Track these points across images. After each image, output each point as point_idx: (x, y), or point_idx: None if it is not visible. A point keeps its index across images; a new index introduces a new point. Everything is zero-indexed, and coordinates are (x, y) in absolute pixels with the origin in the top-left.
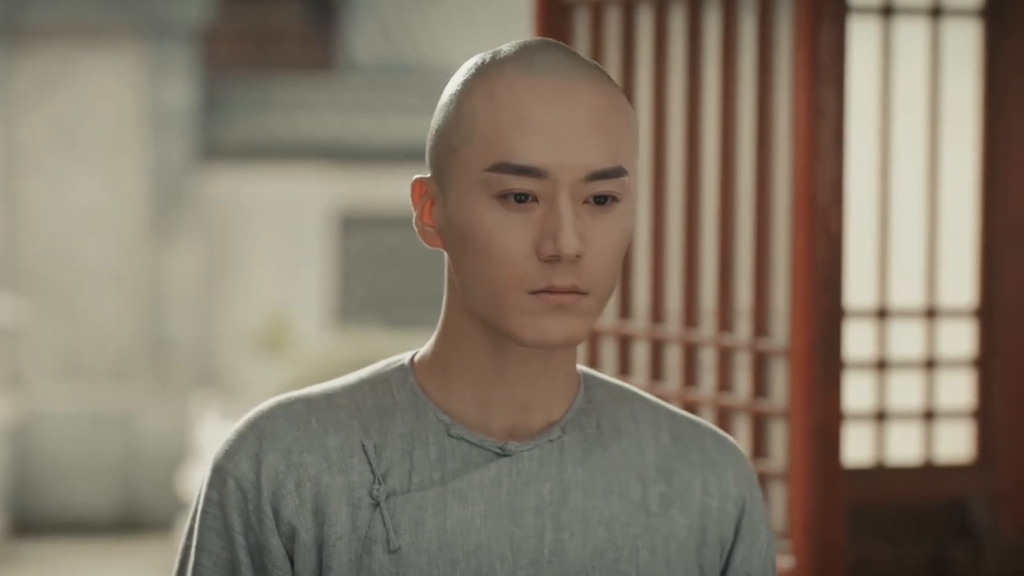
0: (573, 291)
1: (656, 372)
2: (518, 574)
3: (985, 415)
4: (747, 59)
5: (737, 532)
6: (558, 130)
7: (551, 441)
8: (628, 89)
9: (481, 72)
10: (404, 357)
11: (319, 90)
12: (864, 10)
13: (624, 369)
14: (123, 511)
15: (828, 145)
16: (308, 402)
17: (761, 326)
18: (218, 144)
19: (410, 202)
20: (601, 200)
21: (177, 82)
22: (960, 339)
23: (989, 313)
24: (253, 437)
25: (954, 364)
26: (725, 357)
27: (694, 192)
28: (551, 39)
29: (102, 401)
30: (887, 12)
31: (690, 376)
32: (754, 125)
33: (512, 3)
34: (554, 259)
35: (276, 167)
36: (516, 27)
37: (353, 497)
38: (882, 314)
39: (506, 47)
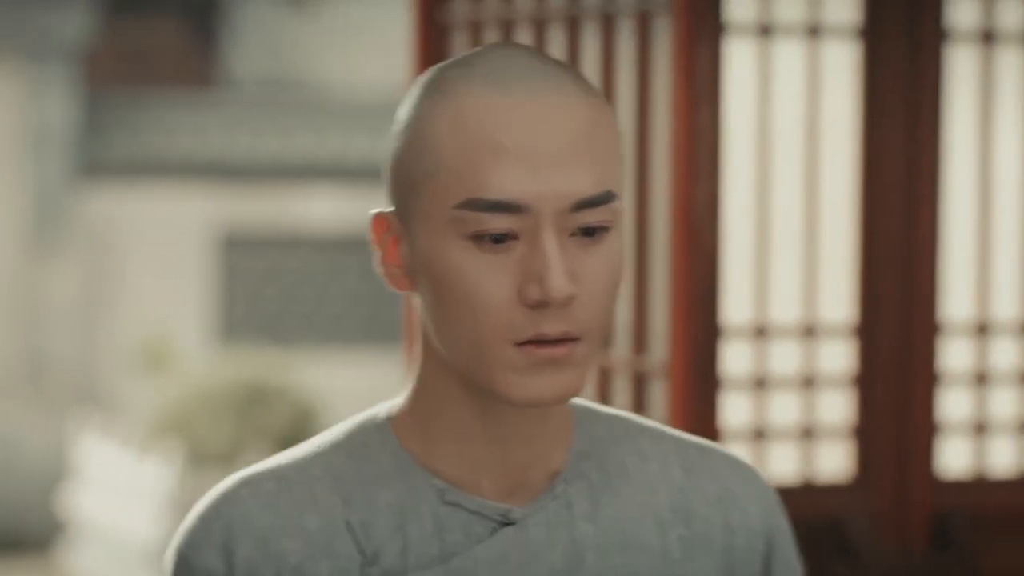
0: (565, 338)
1: None
2: None
3: (865, 433)
4: (625, 79)
5: (768, 570)
6: (537, 156)
7: (555, 499)
8: None
9: (444, 90)
10: (378, 413)
11: (199, 109)
12: (742, 30)
13: None
14: (1, 530)
15: (705, 165)
16: (278, 478)
17: (640, 344)
18: (98, 162)
19: (369, 240)
20: (590, 232)
21: (57, 100)
22: (839, 357)
23: (869, 330)
24: (220, 525)
25: (834, 382)
26: (605, 375)
27: None
28: (520, 44)
29: None
30: (765, 32)
31: None
32: (632, 144)
33: (392, 21)
34: (541, 304)
35: (157, 185)
36: (396, 45)
37: None
38: (761, 332)
39: (470, 56)
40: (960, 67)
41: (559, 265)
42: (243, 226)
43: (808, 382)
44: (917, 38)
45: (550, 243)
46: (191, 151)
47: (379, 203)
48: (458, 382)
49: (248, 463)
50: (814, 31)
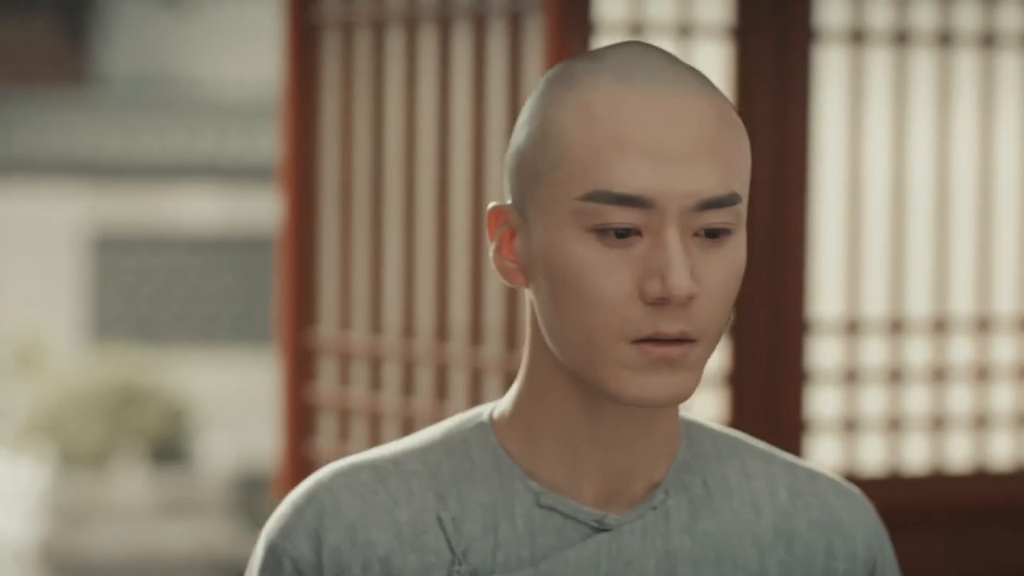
0: (682, 338)
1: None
2: None
3: (736, 430)
4: (497, 79)
5: None
6: (665, 152)
7: (654, 508)
8: (378, 110)
9: (572, 83)
10: (483, 412)
11: (71, 107)
12: (613, 29)
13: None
14: None
15: None
16: (375, 469)
17: (512, 343)
18: None
19: (487, 233)
20: (713, 233)
21: None
22: (714, 355)
23: (739, 329)
24: (312, 512)
25: (704, 380)
26: (477, 376)
27: (445, 212)
28: (648, 43)
29: None
30: (636, 30)
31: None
32: (504, 144)
33: (264, 20)
34: (661, 302)
35: (28, 184)
36: (268, 43)
37: None
38: None
39: (598, 51)
40: (830, 67)
41: (683, 263)
42: (116, 225)
43: None
44: (787, 37)
45: (673, 240)
46: (63, 150)
47: (254, 203)
48: (567, 381)
49: (120, 464)
50: (685, 30)
